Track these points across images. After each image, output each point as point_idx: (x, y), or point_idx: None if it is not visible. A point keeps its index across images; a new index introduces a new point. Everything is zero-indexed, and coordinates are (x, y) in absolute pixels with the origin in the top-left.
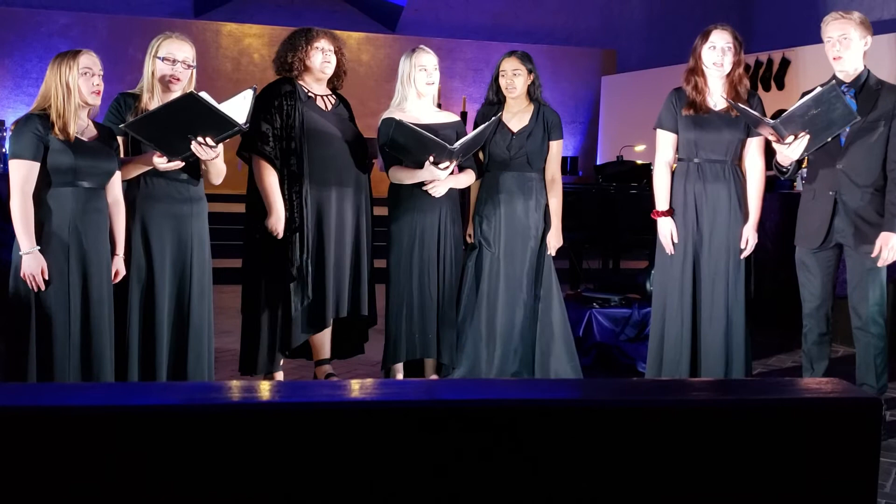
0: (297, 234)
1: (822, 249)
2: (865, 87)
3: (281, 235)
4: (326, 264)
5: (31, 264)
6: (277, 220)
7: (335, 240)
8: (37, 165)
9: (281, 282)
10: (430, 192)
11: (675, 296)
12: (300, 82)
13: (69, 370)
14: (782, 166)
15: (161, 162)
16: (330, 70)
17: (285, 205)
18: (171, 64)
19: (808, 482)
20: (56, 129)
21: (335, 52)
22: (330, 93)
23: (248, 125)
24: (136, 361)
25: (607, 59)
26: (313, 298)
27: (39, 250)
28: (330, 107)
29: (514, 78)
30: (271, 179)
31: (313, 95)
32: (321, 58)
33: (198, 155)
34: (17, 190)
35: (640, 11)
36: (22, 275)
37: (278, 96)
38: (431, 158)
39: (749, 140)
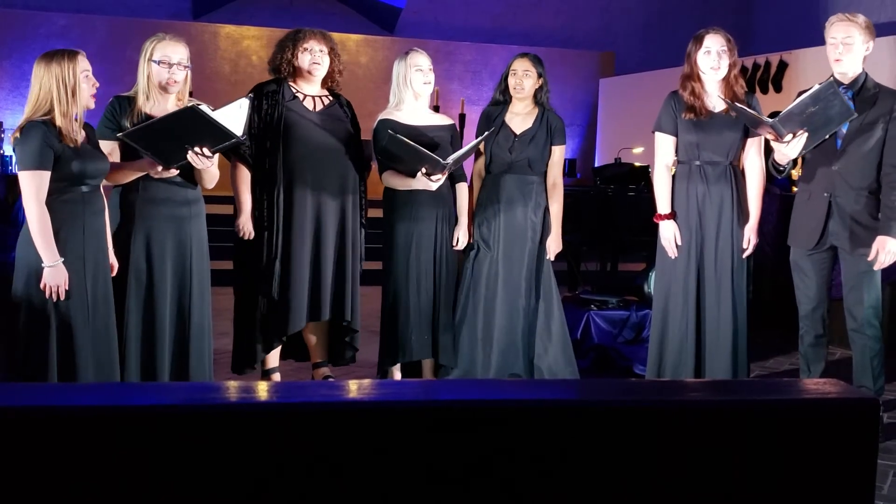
0: (266, 233)
1: (817, 252)
2: (863, 90)
3: (248, 236)
4: (298, 266)
5: (56, 276)
6: (245, 221)
7: (312, 242)
8: (48, 174)
9: (251, 282)
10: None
11: (679, 299)
12: (291, 83)
13: (90, 373)
14: (779, 165)
15: (157, 170)
16: (319, 71)
17: (256, 205)
18: (168, 67)
19: (806, 483)
20: (63, 134)
21: (328, 53)
22: (325, 93)
23: (245, 136)
24: (134, 363)
25: (606, 61)
26: (282, 301)
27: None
28: (320, 107)
29: (524, 78)
30: (242, 179)
31: (301, 96)
32: (309, 59)
33: (193, 164)
34: (34, 200)
35: (639, 14)
36: (43, 285)
37: (259, 96)
38: (424, 170)
39: (748, 140)
